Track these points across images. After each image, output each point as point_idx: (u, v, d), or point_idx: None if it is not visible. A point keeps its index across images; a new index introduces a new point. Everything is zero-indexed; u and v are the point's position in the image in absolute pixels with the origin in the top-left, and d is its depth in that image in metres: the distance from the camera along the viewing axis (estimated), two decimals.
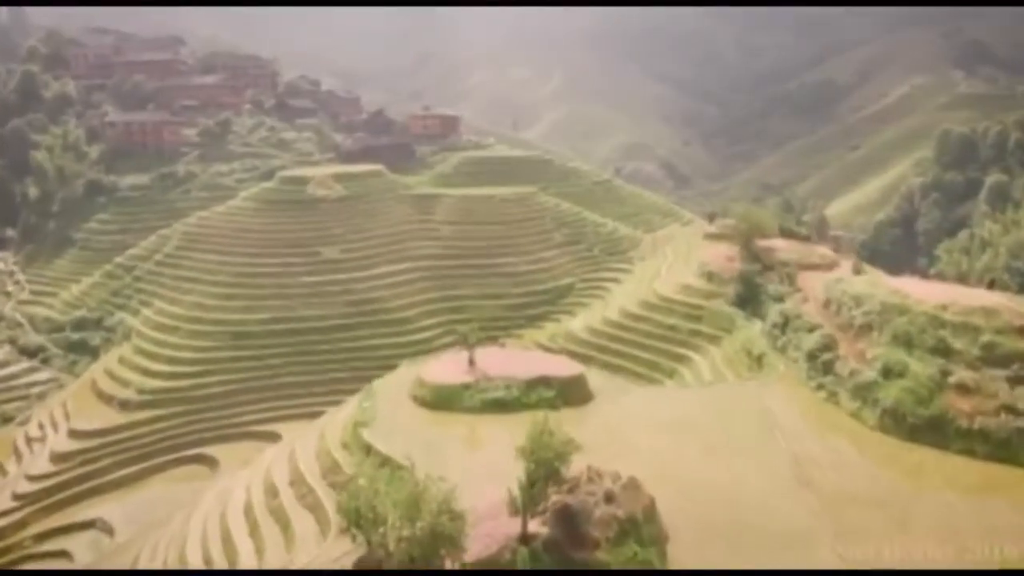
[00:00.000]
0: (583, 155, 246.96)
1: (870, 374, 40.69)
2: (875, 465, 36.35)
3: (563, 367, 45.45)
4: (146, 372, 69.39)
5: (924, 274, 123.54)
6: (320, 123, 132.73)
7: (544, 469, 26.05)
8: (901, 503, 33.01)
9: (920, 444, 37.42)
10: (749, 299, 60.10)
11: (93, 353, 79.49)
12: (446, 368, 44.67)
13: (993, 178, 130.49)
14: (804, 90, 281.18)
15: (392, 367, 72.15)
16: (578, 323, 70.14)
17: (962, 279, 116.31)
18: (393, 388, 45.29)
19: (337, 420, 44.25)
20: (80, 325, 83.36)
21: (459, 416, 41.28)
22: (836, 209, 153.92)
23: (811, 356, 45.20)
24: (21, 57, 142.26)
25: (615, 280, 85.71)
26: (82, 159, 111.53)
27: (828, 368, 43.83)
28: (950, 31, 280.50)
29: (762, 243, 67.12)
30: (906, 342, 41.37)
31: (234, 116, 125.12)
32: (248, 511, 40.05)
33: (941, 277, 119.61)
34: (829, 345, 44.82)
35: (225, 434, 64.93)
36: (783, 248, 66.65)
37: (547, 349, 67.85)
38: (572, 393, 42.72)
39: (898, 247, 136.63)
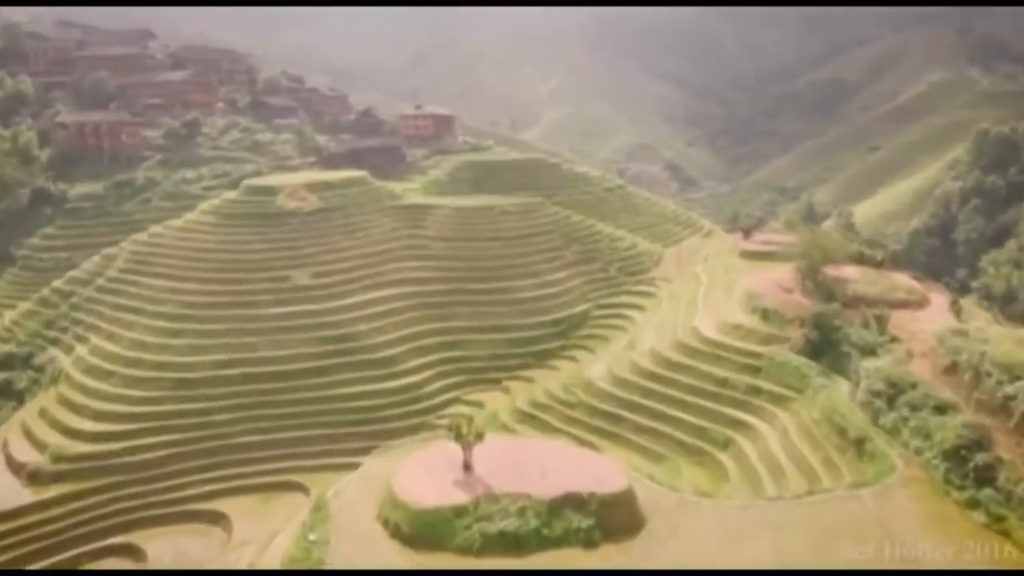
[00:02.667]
0: (585, 157, 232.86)
1: None
2: None
3: (600, 474, 31.29)
4: (67, 432, 55.12)
5: (965, 287, 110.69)
6: (301, 123, 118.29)
7: None
8: None
9: None
10: (825, 349, 46.12)
11: (19, 398, 65.23)
12: (430, 478, 30.53)
13: None
14: (813, 88, 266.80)
15: (372, 421, 58.99)
16: (599, 369, 56.03)
17: (1011, 295, 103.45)
18: (354, 502, 31.20)
19: (276, 550, 30.18)
20: (7, 363, 68.78)
21: (451, 559, 27.25)
22: (861, 215, 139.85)
23: (954, 455, 31.13)
24: None
25: (638, 307, 71.61)
26: (30, 164, 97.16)
27: (986, 478, 29.81)
28: (963, 28, 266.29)
29: (831, 271, 53.19)
30: None
31: (204, 116, 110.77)
32: None
33: (986, 291, 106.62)
34: (981, 442, 30.76)
35: (159, 515, 50.74)
36: (857, 279, 52.73)
37: (563, 403, 54.04)
38: (616, 518, 28.80)
39: (935, 258, 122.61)
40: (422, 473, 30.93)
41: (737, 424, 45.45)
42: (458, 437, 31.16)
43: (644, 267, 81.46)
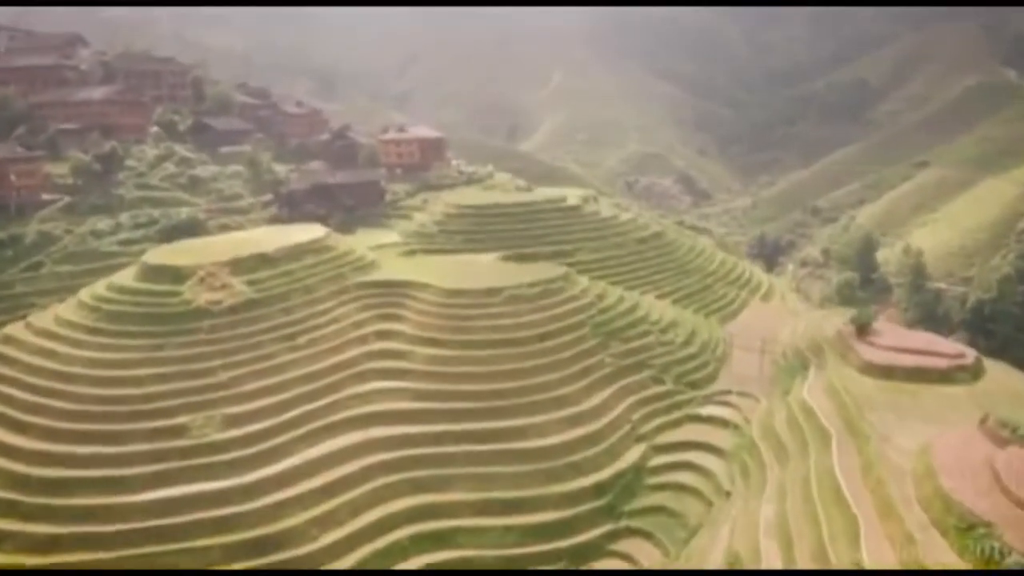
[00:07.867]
0: (590, 168, 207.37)
1: None
2: None
3: None
4: None
5: None
6: (256, 151, 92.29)
7: None
8: None
9: None
10: None
11: None
12: None
13: None
14: (832, 91, 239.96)
15: None
16: None
17: None
18: None
19: None
20: None
21: None
22: (929, 252, 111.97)
23: None
24: None
25: (715, 450, 46.67)
26: None
27: None
28: (993, 24, 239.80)
29: None
30: None
31: (130, 144, 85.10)
32: None
33: None
34: None
35: None
36: None
37: None
38: None
39: None
40: None
41: None
42: None
43: (710, 371, 56.54)
